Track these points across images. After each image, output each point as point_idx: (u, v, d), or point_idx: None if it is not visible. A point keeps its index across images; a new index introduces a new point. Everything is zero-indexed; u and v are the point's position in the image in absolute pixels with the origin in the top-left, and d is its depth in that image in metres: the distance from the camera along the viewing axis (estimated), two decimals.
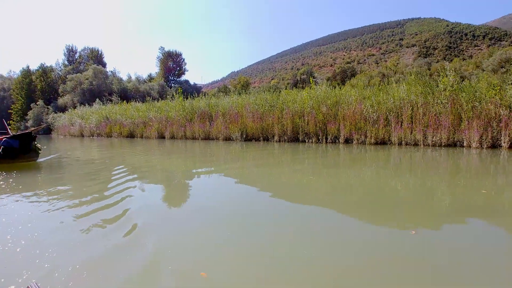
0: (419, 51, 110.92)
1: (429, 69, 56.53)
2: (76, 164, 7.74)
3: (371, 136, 9.66)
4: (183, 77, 52.55)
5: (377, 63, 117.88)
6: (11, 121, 49.81)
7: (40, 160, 8.01)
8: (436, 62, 76.96)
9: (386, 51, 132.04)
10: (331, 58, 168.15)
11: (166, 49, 51.78)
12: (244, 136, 12.87)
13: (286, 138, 11.63)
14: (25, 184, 4.82)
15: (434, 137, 8.75)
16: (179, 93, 18.50)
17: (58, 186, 4.62)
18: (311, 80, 14.15)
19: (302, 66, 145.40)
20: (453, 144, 8.62)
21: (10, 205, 3.54)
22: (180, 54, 51.66)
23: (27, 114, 44.01)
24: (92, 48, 52.63)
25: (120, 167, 6.40)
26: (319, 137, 10.82)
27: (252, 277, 1.73)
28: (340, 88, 12.74)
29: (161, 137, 17.19)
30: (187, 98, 18.14)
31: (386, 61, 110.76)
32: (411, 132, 9.19)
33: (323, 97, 11.51)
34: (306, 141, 11.14)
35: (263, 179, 5.00)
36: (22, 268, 1.88)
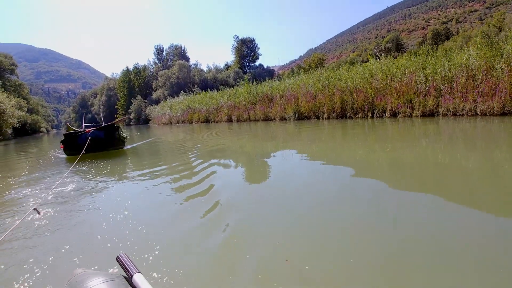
0: None
1: None
2: (167, 146, 8.71)
3: (418, 108, 9.45)
4: (257, 62, 54.31)
5: (481, 20, 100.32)
6: (118, 115, 59.80)
7: (138, 143, 9.49)
8: None
9: (493, 4, 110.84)
10: (423, 19, 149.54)
11: (240, 36, 54.13)
12: (296, 115, 13.64)
13: (334, 115, 12.02)
14: (119, 167, 5.19)
15: (487, 106, 8.17)
16: (245, 80, 20.14)
17: (152, 167, 4.82)
18: (368, 56, 13.89)
19: (388, 33, 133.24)
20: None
21: (110, 185, 3.73)
22: (253, 40, 53.43)
23: (130, 108, 52.20)
24: (176, 45, 59.15)
25: (202, 148, 6.96)
26: (365, 112, 10.94)
27: (340, 267, 1.52)
28: (415, 55, 12.02)
29: (229, 120, 19.16)
30: (261, 82, 19.59)
31: (492, 16, 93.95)
32: (464, 101, 8.69)
33: (375, 71, 11.42)
34: (353, 117, 11.37)
35: (335, 157, 4.69)
36: (116, 241, 1.96)
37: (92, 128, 6.67)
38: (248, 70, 52.10)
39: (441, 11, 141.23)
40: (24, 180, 4.36)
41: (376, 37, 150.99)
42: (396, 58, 12.49)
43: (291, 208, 2.44)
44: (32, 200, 3.08)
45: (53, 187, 3.43)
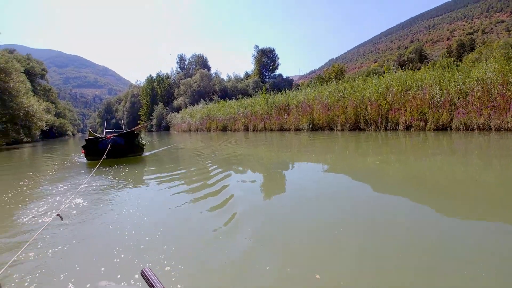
0: None
1: None
2: (186, 153, 9.01)
3: (431, 122, 9.47)
4: (277, 71, 54.87)
5: (509, 31, 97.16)
6: (140, 121, 61.98)
7: (159, 150, 9.69)
8: None
9: None
10: (447, 30, 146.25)
11: (261, 46, 55.00)
12: (311, 126, 13.85)
13: (348, 127, 12.14)
14: (139, 173, 5.23)
15: (501, 121, 8.12)
16: (263, 90, 20.61)
17: (171, 174, 4.90)
18: (384, 69, 13.98)
19: (411, 43, 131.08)
20: None
21: (129, 192, 3.75)
22: (273, 50, 54.14)
23: (152, 115, 53.92)
24: (198, 54, 60.84)
25: (220, 156, 7.15)
26: (378, 125, 11.03)
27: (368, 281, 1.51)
28: (434, 67, 12.17)
29: (246, 129, 19.57)
30: (279, 91, 20.00)
31: None
32: (478, 116, 8.65)
33: (390, 84, 11.49)
34: (366, 129, 11.46)
35: (353, 169, 4.61)
36: (137, 251, 1.97)
37: (112, 135, 6.80)
38: (267, 80, 52.74)
39: (466, 22, 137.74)
40: (47, 184, 4.51)
41: (399, 48, 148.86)
42: (419, 69, 12.48)
43: (311, 221, 2.42)
44: (55, 204, 3.19)
45: (75, 193, 3.49)
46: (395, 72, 12.46)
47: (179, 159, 7.53)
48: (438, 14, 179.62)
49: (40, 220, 2.65)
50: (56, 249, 2.07)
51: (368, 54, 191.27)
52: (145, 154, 8.34)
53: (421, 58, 71.51)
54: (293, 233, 2.19)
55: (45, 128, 33.48)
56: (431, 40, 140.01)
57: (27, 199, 3.54)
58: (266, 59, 54.43)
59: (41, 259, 1.94)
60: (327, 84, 16.97)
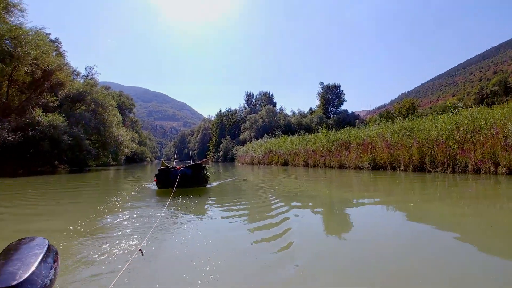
0: None
1: None
2: (249, 185, 9.47)
3: (503, 165, 8.70)
4: (342, 107, 54.50)
5: None
6: (208, 152, 67.15)
7: (225, 181, 10.24)
8: None
9: None
10: None
11: (326, 83, 55.73)
12: (371, 164, 13.56)
13: (412, 167, 11.62)
14: (207, 204, 5.52)
15: None
16: (324, 127, 20.96)
17: (234, 205, 5.20)
18: (449, 104, 13.30)
19: (494, 75, 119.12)
20: None
21: (200, 223, 3.94)
22: (339, 86, 54.37)
23: (219, 147, 57.71)
24: (265, 92, 65.38)
25: (280, 190, 7.46)
26: (445, 166, 10.42)
27: None
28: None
29: (305, 165, 19.81)
30: (344, 127, 20.18)
31: None
32: None
33: (461, 123, 10.88)
34: (431, 170, 10.86)
35: (418, 213, 4.34)
36: (193, 275, 2.13)
37: (182, 166, 7.22)
38: (331, 115, 52.61)
39: None
40: (125, 212, 4.66)
41: (481, 80, 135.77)
42: (504, 103, 11.56)
43: (366, 266, 2.30)
44: (134, 236, 3.26)
45: (153, 227, 3.51)
46: (456, 110, 11.82)
47: (242, 191, 7.94)
48: None
49: (121, 253, 2.68)
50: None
51: (445, 87, 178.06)
52: (212, 184, 8.84)
53: (506, 90, 64.12)
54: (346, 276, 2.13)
55: (129, 154, 38.85)
56: None
57: (107, 227, 3.72)
58: (331, 95, 54.70)
59: None
60: (393, 120, 16.44)
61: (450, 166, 10.29)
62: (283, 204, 5.13)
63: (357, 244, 2.87)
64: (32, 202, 6.10)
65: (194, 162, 8.31)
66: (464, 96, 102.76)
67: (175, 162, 10.42)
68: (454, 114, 11.84)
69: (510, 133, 8.99)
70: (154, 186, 7.83)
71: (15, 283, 0.93)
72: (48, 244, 1.19)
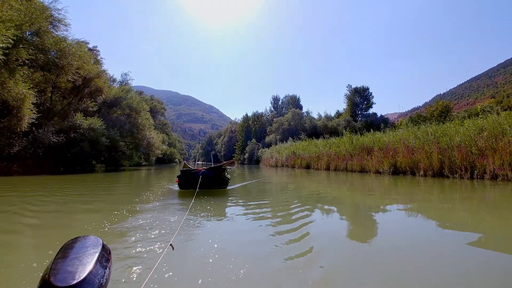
0: None
1: None
2: (272, 187, 9.66)
3: None
4: (371, 110, 53.49)
5: None
6: (234, 154, 68.79)
7: (249, 182, 10.61)
8: None
9: None
10: None
11: (354, 85, 54.96)
12: (392, 169, 13.68)
13: (431, 172, 11.67)
14: (229, 204, 5.67)
15: None
16: (347, 130, 21.11)
17: (257, 207, 5.24)
18: (478, 109, 13.14)
19: None
20: None
21: (217, 220, 4.15)
22: (367, 89, 53.29)
23: (245, 149, 58.84)
24: (292, 95, 65.64)
25: (303, 192, 7.74)
26: (463, 172, 10.41)
27: None
28: None
29: (327, 169, 20.04)
30: (373, 131, 20.29)
31: None
32: None
33: (485, 128, 10.83)
34: (450, 176, 10.88)
35: (443, 219, 4.22)
36: (213, 276, 2.17)
37: (203, 168, 7.47)
38: (359, 118, 51.80)
39: None
40: (153, 210, 4.92)
41: None
42: None
43: (388, 272, 2.27)
44: (163, 231, 3.47)
45: (180, 224, 3.70)
46: (485, 114, 11.67)
47: (266, 193, 8.14)
48: None
49: (154, 248, 2.85)
50: (172, 283, 2.11)
51: (483, 88, 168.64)
52: (236, 185, 9.23)
53: None
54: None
55: (160, 155, 41.29)
56: None
57: (138, 223, 3.93)
58: (359, 97, 53.81)
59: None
60: (426, 123, 16.04)
61: (468, 172, 10.29)
62: (306, 207, 5.23)
63: (385, 250, 2.82)
64: (74, 198, 6.77)
65: (217, 163, 8.68)
66: (503, 98, 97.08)
67: (197, 164, 11.05)
68: (480, 119, 11.72)
69: None
70: (176, 187, 8.12)
71: (74, 282, 0.96)
72: (103, 243, 1.25)
